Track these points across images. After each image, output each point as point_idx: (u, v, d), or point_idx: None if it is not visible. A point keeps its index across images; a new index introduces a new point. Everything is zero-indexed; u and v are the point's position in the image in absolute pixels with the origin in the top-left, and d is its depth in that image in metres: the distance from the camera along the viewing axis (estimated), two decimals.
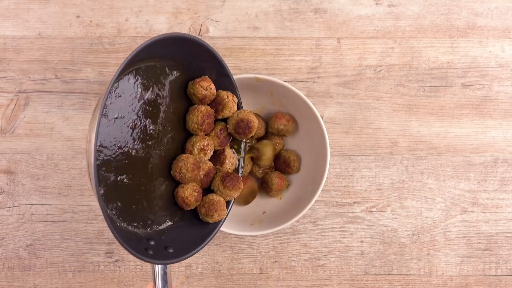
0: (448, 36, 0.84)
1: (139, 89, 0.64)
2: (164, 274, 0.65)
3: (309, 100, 0.74)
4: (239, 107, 0.72)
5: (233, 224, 0.75)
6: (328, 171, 0.75)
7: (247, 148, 0.77)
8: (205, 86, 0.68)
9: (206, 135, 0.71)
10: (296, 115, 0.79)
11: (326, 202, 0.83)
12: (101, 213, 0.82)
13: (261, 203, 0.80)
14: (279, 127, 0.78)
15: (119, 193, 0.63)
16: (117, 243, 0.83)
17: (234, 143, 0.74)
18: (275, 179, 0.78)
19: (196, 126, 0.69)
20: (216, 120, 0.72)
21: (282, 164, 0.79)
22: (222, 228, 0.71)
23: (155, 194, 0.68)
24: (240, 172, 0.74)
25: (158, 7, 0.84)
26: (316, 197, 0.73)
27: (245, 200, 0.80)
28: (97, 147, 0.61)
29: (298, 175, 0.80)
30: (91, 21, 0.84)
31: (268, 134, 0.80)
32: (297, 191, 0.79)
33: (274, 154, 0.80)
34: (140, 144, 0.65)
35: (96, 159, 0.59)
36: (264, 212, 0.80)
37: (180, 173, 0.67)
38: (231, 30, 0.84)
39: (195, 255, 0.82)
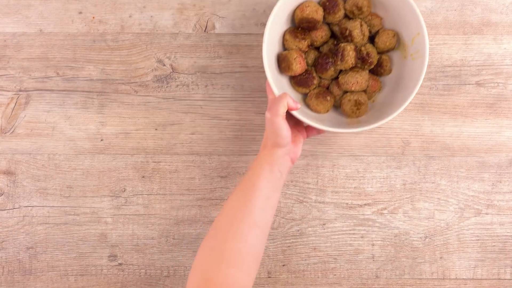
0: (461, 33, 0.82)
1: None
2: None
3: None
4: None
5: (329, 124, 0.73)
6: (425, 70, 0.71)
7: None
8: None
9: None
10: (390, 10, 0.76)
11: (336, 204, 0.81)
12: (104, 215, 0.80)
13: None
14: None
15: None
16: (120, 246, 0.80)
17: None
18: (370, 80, 0.76)
19: None
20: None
21: (375, 65, 0.76)
22: (321, 126, 0.70)
23: None
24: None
25: (163, 2, 0.82)
26: (411, 99, 0.71)
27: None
28: None
29: (391, 77, 0.78)
30: (93, 17, 0.82)
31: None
32: (390, 93, 0.77)
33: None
34: None
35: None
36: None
37: None
38: (238, 27, 0.82)
39: None
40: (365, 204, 0.81)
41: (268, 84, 0.71)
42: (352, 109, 0.75)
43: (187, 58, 0.81)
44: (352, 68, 0.75)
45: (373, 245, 0.81)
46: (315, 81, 0.76)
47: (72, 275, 0.80)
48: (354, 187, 0.81)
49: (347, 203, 0.81)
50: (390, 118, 0.71)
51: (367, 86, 0.76)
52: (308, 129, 0.76)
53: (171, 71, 0.81)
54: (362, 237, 0.81)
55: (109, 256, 0.81)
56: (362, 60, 0.75)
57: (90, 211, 0.81)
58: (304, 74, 0.76)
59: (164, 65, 0.81)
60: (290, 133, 0.68)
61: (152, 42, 0.82)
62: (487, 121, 0.81)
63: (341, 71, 0.76)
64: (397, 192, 0.81)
